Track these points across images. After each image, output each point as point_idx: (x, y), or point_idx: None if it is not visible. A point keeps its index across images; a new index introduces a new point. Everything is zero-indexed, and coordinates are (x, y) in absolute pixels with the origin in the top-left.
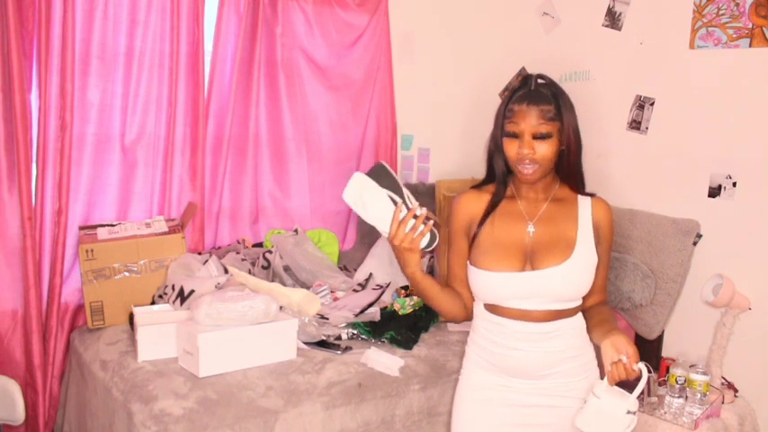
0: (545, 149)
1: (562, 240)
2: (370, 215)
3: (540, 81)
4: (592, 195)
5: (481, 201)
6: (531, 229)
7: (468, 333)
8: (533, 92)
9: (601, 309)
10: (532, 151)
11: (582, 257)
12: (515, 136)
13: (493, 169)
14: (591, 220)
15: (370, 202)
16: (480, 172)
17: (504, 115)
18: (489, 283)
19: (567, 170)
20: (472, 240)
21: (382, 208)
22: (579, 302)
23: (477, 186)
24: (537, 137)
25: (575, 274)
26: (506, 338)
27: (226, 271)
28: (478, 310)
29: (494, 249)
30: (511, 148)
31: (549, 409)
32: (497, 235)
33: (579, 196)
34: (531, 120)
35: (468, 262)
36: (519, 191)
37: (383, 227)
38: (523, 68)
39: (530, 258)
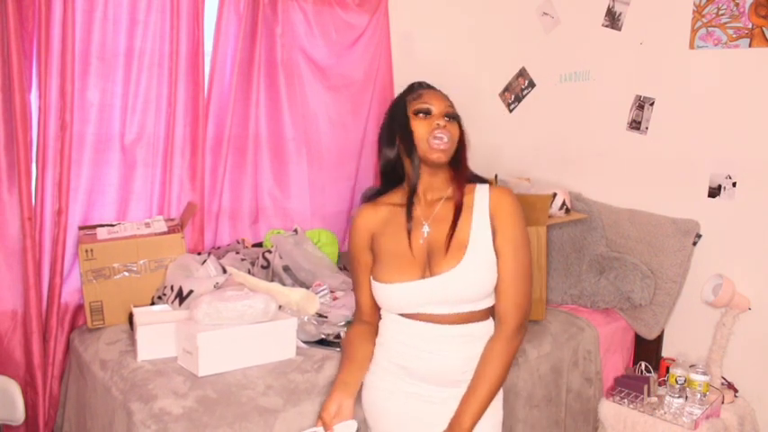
0: (455, 131)
1: (455, 240)
2: None
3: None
4: (489, 183)
5: (378, 214)
6: (426, 229)
7: None
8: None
9: (488, 355)
10: (445, 126)
11: (475, 258)
12: (427, 113)
13: (390, 177)
14: (488, 211)
15: None
16: (477, 170)
17: (406, 103)
18: (392, 294)
19: (457, 165)
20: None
21: None
22: (490, 302)
23: (370, 199)
24: (448, 115)
25: (470, 275)
26: (421, 341)
27: (224, 271)
28: (389, 316)
29: (392, 260)
30: (422, 126)
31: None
32: (394, 244)
33: (477, 186)
34: (441, 101)
35: (372, 279)
36: (415, 192)
37: None
38: (523, 68)
39: (428, 263)
